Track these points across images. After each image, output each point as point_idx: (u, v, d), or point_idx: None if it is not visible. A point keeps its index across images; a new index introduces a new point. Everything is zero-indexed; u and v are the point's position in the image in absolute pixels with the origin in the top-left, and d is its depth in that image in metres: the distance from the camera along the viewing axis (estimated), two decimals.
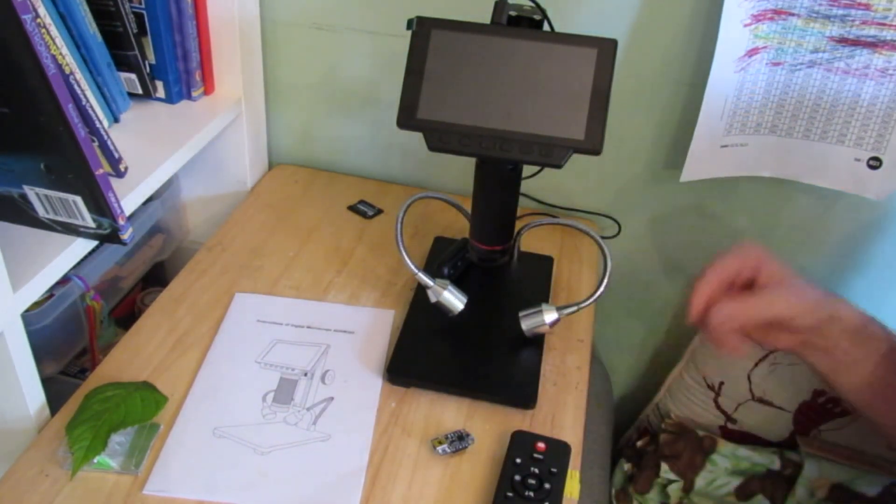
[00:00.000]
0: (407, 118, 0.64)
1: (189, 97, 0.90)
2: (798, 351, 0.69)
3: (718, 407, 0.96)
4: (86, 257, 0.74)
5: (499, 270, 0.80)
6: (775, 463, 0.92)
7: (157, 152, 0.80)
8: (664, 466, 0.95)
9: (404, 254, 0.75)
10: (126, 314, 0.98)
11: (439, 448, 0.68)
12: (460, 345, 0.77)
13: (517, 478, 0.63)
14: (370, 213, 0.97)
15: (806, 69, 0.80)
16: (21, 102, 0.58)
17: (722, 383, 0.95)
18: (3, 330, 0.63)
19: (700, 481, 0.94)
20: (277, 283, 0.85)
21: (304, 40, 0.96)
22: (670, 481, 0.95)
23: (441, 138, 0.64)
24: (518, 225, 0.79)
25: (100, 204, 0.65)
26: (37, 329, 0.73)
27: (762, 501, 0.93)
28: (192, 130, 0.85)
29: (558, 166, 0.63)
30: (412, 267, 0.75)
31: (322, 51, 0.97)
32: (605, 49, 0.63)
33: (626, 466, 1.00)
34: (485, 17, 0.67)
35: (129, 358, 0.75)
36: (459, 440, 0.68)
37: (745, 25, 0.78)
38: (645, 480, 0.97)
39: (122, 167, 0.74)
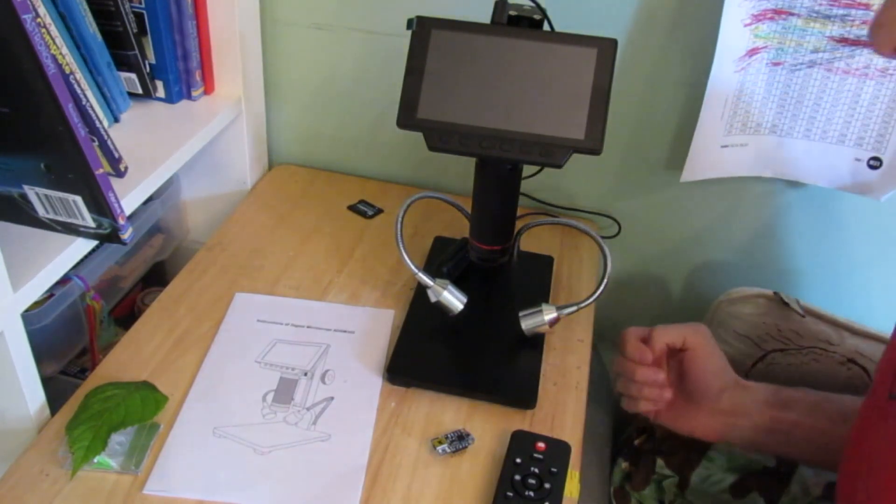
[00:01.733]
0: (407, 118, 0.64)
1: (189, 97, 0.90)
2: (729, 436, 0.75)
3: None
4: (86, 257, 0.74)
5: (499, 270, 0.80)
6: (771, 460, 0.92)
7: (157, 152, 0.80)
8: (660, 462, 0.95)
9: (404, 254, 0.75)
10: (126, 314, 0.98)
11: (439, 448, 0.68)
12: (460, 345, 0.77)
13: (517, 477, 0.63)
14: (370, 213, 0.97)
15: (806, 69, 0.80)
16: (21, 102, 0.58)
17: None
18: (3, 330, 0.63)
19: (695, 478, 0.94)
20: (277, 283, 0.85)
21: (304, 40, 0.96)
22: (665, 477, 0.95)
23: (441, 138, 0.64)
24: (518, 225, 0.79)
25: (100, 203, 0.65)
26: (37, 329, 0.73)
27: (757, 499, 0.93)
28: (192, 130, 0.85)
29: (558, 166, 0.63)
30: (412, 267, 0.75)
31: (322, 51, 0.97)
32: (605, 49, 0.63)
33: (624, 465, 1.00)
34: (485, 17, 0.67)
35: (129, 358, 0.75)
36: (459, 440, 0.68)
37: (746, 25, 0.78)
38: (642, 478, 0.97)
39: (122, 167, 0.74)
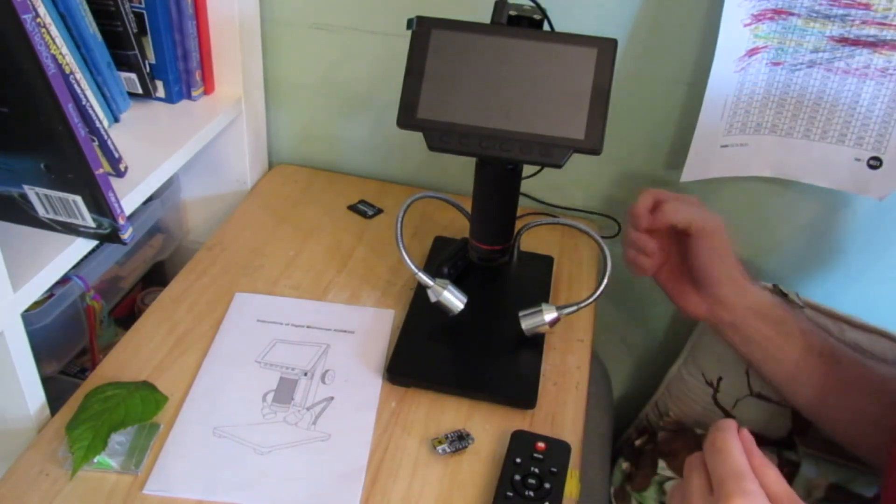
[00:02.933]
0: (407, 118, 0.64)
1: (189, 97, 0.90)
2: (710, 322, 0.78)
3: (717, 403, 0.96)
4: (86, 257, 0.74)
5: (499, 270, 0.80)
6: (773, 461, 0.92)
7: (157, 152, 0.80)
8: (661, 464, 0.95)
9: (404, 253, 0.75)
10: (126, 314, 0.98)
11: (439, 448, 0.68)
12: (460, 345, 0.77)
13: (517, 477, 0.63)
14: (370, 213, 0.97)
15: (806, 69, 0.81)
16: (21, 102, 0.58)
17: (720, 379, 0.95)
18: (3, 330, 0.63)
19: None
20: (277, 283, 0.85)
21: (304, 40, 0.96)
22: (667, 478, 0.95)
23: (441, 138, 0.64)
24: (518, 225, 0.79)
25: (100, 203, 0.65)
26: (37, 329, 0.73)
27: None
28: (192, 130, 0.85)
29: (558, 166, 0.63)
30: (412, 267, 0.75)
31: (322, 51, 0.97)
32: (605, 49, 0.63)
33: (625, 465, 1.00)
34: (485, 17, 0.67)
35: (129, 358, 0.75)
36: (459, 440, 0.68)
37: (745, 25, 0.79)
38: (643, 478, 0.97)
39: (122, 167, 0.74)
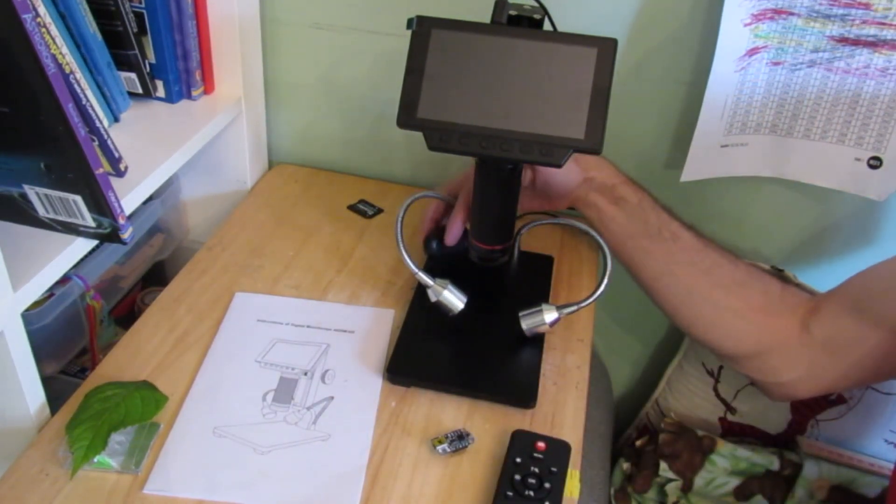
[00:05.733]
0: (407, 118, 0.64)
1: (189, 97, 0.90)
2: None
3: (718, 395, 0.97)
4: (86, 257, 0.74)
5: (499, 270, 0.80)
6: (774, 464, 0.92)
7: (157, 152, 0.80)
8: (663, 465, 0.95)
9: (404, 253, 0.75)
10: (126, 314, 0.98)
11: (439, 447, 0.68)
12: (460, 344, 0.77)
13: (517, 477, 0.63)
14: (370, 212, 0.97)
15: (806, 69, 0.81)
16: (21, 102, 0.58)
17: (721, 368, 0.95)
18: (3, 329, 0.63)
19: (699, 481, 0.95)
20: (277, 283, 0.85)
21: (304, 40, 0.96)
22: (669, 480, 0.95)
23: (441, 138, 0.64)
24: (518, 224, 0.79)
25: (100, 203, 0.65)
26: (37, 328, 0.73)
27: (761, 502, 0.93)
28: (192, 130, 0.85)
29: (558, 166, 0.63)
30: (412, 266, 0.75)
31: (322, 51, 0.97)
32: (605, 48, 0.63)
33: (625, 466, 1.00)
34: (485, 16, 0.67)
35: (129, 357, 0.75)
36: (459, 439, 0.68)
37: (746, 25, 0.79)
38: (644, 480, 0.97)
39: (122, 166, 0.74)
